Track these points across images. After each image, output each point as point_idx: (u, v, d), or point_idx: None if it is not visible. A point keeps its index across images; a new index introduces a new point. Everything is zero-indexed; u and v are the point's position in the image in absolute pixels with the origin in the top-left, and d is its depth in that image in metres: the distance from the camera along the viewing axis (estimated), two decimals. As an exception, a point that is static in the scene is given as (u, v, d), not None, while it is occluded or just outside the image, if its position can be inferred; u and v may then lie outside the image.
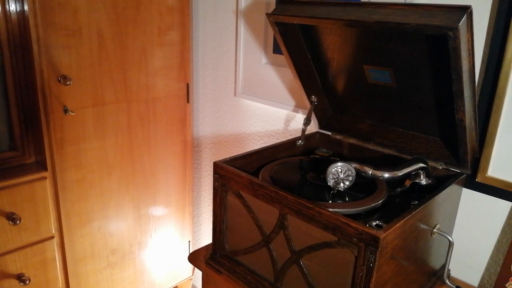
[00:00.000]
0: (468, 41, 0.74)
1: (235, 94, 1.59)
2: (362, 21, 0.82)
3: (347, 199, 0.88)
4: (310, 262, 0.81)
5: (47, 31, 1.22)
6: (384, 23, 0.79)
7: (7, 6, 1.21)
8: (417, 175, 0.94)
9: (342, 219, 0.72)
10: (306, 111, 1.15)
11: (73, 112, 1.32)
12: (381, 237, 0.67)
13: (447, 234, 0.88)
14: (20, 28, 1.23)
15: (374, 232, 0.67)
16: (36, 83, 1.23)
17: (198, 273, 1.91)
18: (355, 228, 0.70)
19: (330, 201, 0.87)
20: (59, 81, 1.27)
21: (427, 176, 0.94)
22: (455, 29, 0.70)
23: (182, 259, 1.85)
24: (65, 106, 1.30)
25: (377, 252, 0.68)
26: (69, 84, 1.28)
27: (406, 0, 1.00)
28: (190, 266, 1.87)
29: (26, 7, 1.18)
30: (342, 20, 0.85)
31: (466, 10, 0.71)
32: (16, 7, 1.22)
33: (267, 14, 1.00)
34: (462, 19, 0.70)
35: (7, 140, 1.32)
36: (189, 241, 1.86)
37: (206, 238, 1.97)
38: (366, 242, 0.69)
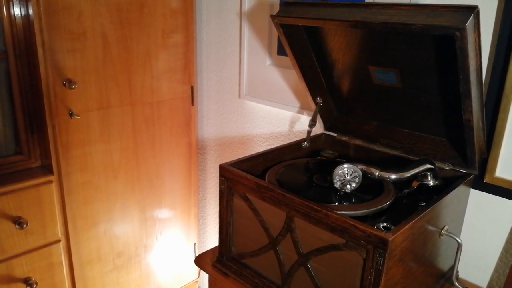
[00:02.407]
0: (475, 41, 0.74)
1: (239, 96, 1.58)
2: (367, 22, 0.82)
3: (354, 201, 0.87)
4: (318, 265, 0.81)
5: (52, 35, 1.22)
6: (389, 24, 0.79)
7: (12, 11, 1.21)
8: (424, 176, 0.93)
9: (350, 222, 0.71)
10: (311, 113, 1.15)
11: (78, 116, 1.32)
12: (390, 239, 0.66)
13: (455, 235, 0.87)
14: (25, 32, 1.24)
15: (382, 234, 0.67)
16: (41, 87, 1.24)
17: (204, 276, 1.91)
18: (363, 231, 0.69)
19: (337, 203, 0.86)
20: (64, 84, 1.27)
21: (435, 177, 0.93)
22: (462, 29, 0.69)
23: (188, 261, 1.84)
24: (70, 110, 1.30)
25: (386, 255, 0.67)
26: (74, 87, 1.28)
27: (411, 0, 1.00)
28: (196, 268, 1.87)
29: (31, 11, 1.18)
30: (347, 21, 0.85)
31: (473, 10, 0.70)
32: (21, 11, 1.22)
33: (272, 16, 0.99)
34: (469, 19, 0.69)
35: (13, 144, 1.32)
36: (195, 244, 1.86)
37: (211, 240, 1.97)
38: (374, 244, 0.68)
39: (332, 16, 0.88)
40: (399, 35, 0.88)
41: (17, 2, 1.21)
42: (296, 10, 0.97)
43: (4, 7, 1.20)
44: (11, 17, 1.22)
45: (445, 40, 0.80)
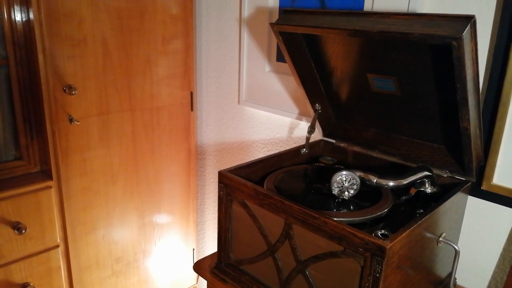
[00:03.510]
0: (472, 50, 0.74)
1: (238, 102, 1.59)
2: (366, 31, 0.82)
3: (352, 207, 0.88)
4: (316, 272, 0.81)
5: (53, 41, 1.23)
6: (387, 33, 0.79)
7: (13, 17, 1.22)
8: (422, 183, 0.94)
9: (348, 229, 0.72)
10: (310, 119, 1.16)
11: (78, 121, 1.32)
12: (388, 247, 0.67)
13: (453, 242, 0.87)
14: (25, 39, 1.25)
15: (380, 242, 0.67)
16: (41, 93, 1.24)
17: (203, 282, 1.91)
18: (361, 238, 0.70)
19: (335, 210, 0.87)
20: (65, 90, 1.28)
21: (432, 184, 0.94)
22: (459, 39, 0.70)
23: (187, 267, 1.84)
24: (70, 116, 1.30)
25: (384, 262, 0.68)
26: (74, 93, 1.29)
27: (408, 9, 1.01)
28: (195, 274, 1.87)
29: (31, 18, 1.19)
30: (346, 30, 0.86)
31: (470, 19, 0.71)
32: (22, 17, 1.23)
33: (271, 24, 1.00)
34: (466, 29, 0.70)
35: (13, 149, 1.32)
36: (193, 249, 1.86)
37: (210, 245, 1.97)
38: (372, 252, 0.69)
39: (331, 25, 0.89)
40: (397, 44, 0.89)
41: (18, 8, 1.22)
42: (295, 18, 0.98)
43: (5, 13, 1.21)
44: (12, 23, 1.22)
45: (443, 48, 0.80)
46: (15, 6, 1.21)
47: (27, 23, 1.23)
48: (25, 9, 1.21)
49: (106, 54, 1.36)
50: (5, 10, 1.20)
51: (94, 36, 1.31)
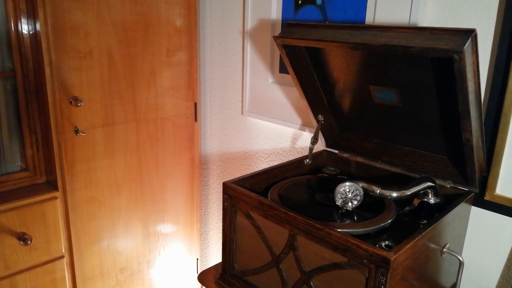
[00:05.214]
0: (473, 63, 0.76)
1: (242, 112, 1.60)
2: (367, 44, 0.84)
3: (355, 218, 0.88)
4: (321, 283, 0.81)
5: (59, 54, 1.25)
6: (389, 46, 0.81)
7: (20, 29, 1.24)
8: (425, 194, 0.94)
9: (352, 241, 0.72)
10: (313, 129, 1.16)
11: (84, 133, 1.34)
12: (392, 258, 0.67)
13: (457, 253, 0.88)
14: (32, 51, 1.27)
15: (384, 253, 0.68)
16: (48, 105, 1.26)
17: (206, 291, 1.90)
18: (365, 250, 0.70)
19: (338, 221, 0.87)
20: (71, 102, 1.29)
21: (435, 195, 0.94)
22: (460, 52, 0.71)
23: (190, 276, 1.84)
24: (76, 127, 1.32)
25: (388, 274, 0.68)
26: (80, 105, 1.31)
27: (410, 22, 1.02)
28: (198, 284, 1.87)
29: (38, 30, 1.21)
30: (348, 43, 0.87)
31: (471, 33, 0.72)
32: (29, 30, 1.25)
33: (275, 37, 1.02)
34: (467, 42, 0.71)
35: (19, 160, 1.34)
36: (197, 259, 1.86)
37: (214, 255, 1.97)
38: (376, 263, 0.69)
39: (333, 38, 0.90)
40: (399, 57, 0.90)
41: (25, 21, 1.24)
42: (298, 32, 0.99)
43: (12, 26, 1.23)
44: (19, 35, 1.25)
45: (444, 61, 0.82)
46: (22, 19, 1.24)
47: (34, 35, 1.25)
48: (32, 22, 1.24)
49: (111, 66, 1.38)
50: (12, 23, 1.23)
51: (100, 49, 1.33)
